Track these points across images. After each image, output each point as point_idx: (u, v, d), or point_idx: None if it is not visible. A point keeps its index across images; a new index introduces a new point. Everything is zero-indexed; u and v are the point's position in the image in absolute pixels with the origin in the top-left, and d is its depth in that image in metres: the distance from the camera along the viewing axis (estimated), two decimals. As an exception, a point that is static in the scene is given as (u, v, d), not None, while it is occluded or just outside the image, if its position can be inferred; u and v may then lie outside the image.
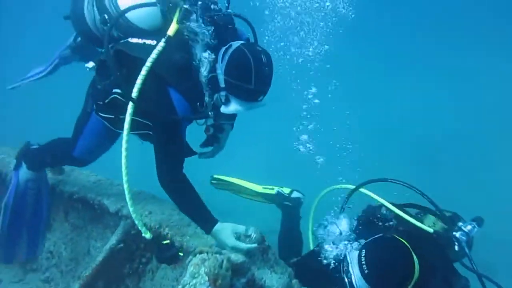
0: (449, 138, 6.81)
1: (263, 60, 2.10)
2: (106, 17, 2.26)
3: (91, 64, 2.37)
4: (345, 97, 4.97)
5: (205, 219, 2.31)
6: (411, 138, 6.87)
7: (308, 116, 3.32)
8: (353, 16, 3.37)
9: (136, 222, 2.27)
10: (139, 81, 2.09)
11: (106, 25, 2.27)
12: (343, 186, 3.07)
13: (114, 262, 3.02)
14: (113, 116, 2.52)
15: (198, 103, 2.27)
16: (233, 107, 2.14)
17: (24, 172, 3.06)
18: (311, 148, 3.28)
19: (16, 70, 3.49)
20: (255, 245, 2.20)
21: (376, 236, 2.23)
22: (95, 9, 2.35)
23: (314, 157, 3.34)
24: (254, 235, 2.25)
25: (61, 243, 3.67)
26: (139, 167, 2.59)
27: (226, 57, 2.10)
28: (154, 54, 2.09)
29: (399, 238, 2.16)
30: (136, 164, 2.33)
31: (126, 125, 2.14)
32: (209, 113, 2.33)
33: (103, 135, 2.71)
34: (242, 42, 2.20)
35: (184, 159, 2.35)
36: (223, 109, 2.18)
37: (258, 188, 3.78)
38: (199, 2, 2.13)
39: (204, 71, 2.18)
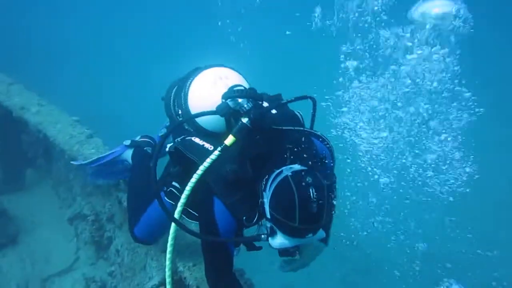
0: None
1: (312, 196, 1.70)
2: (180, 112, 2.32)
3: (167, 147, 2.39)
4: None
5: None
6: None
7: None
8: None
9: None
10: (188, 187, 2.02)
11: (180, 118, 2.36)
12: None
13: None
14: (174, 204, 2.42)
15: (244, 218, 2.04)
16: (278, 240, 1.87)
17: (127, 154, 3.16)
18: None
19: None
20: None
21: None
22: (175, 101, 2.42)
23: None
24: None
25: (125, 247, 3.73)
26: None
27: (272, 187, 1.82)
28: (206, 163, 1.98)
29: None
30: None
31: (172, 230, 2.09)
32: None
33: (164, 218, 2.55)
34: (295, 169, 1.83)
35: (232, 263, 2.15)
36: (270, 241, 1.93)
37: None
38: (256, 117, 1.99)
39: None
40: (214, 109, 2.10)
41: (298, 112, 2.30)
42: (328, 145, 2.23)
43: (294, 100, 2.14)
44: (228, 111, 2.03)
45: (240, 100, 2.00)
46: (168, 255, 2.16)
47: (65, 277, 4.08)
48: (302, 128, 2.13)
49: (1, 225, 4.38)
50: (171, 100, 2.46)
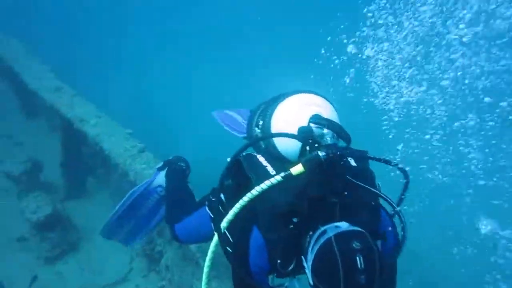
0: None
1: (359, 266, 1.41)
2: (260, 123, 2.18)
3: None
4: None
5: None
6: None
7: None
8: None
9: None
10: (238, 205, 1.78)
11: (258, 129, 2.23)
12: None
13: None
14: (213, 217, 2.35)
15: (279, 261, 1.77)
16: None
17: (161, 176, 3.09)
18: None
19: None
20: None
21: None
22: (261, 113, 2.30)
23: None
24: None
25: (175, 264, 3.71)
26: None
27: (315, 249, 1.54)
28: (264, 185, 1.73)
29: None
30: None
31: (210, 254, 1.92)
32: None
33: (206, 226, 2.46)
34: (342, 229, 1.54)
35: None
36: None
37: None
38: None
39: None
40: (296, 133, 1.90)
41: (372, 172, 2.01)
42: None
43: (383, 161, 1.89)
44: (308, 137, 1.82)
45: (325, 130, 1.80)
46: (205, 270, 2.00)
47: (119, 287, 4.18)
48: (374, 190, 1.80)
49: (65, 232, 4.60)
50: (258, 111, 2.32)
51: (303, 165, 1.67)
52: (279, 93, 2.23)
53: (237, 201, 1.76)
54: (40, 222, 4.27)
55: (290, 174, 1.68)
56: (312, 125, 1.86)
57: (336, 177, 1.72)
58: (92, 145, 4.27)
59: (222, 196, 2.15)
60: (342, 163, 1.73)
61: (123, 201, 3.15)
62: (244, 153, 1.99)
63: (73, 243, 4.58)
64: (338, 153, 1.68)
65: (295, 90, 2.15)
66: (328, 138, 1.78)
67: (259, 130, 2.15)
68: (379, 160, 1.88)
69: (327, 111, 1.95)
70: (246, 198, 1.74)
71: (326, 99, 2.08)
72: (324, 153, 1.66)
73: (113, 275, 4.29)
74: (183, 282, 3.58)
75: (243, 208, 1.78)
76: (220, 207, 2.16)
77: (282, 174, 1.70)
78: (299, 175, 1.69)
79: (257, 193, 1.72)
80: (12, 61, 5.80)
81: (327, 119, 1.84)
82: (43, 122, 6.29)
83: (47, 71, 5.48)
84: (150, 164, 3.84)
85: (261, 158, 1.94)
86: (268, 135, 2.05)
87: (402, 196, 2.00)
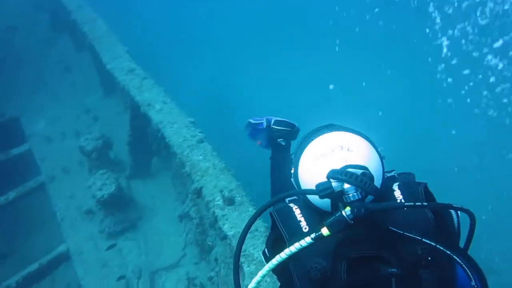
0: None
1: None
2: (292, 171, 1.90)
3: None
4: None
5: None
6: None
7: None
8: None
9: None
10: (267, 268, 1.62)
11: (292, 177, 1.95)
12: None
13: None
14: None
15: None
16: None
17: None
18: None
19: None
20: None
21: None
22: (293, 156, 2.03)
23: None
24: None
25: (222, 260, 3.69)
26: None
27: None
28: (294, 248, 1.53)
29: None
30: None
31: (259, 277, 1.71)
32: None
33: None
34: None
35: None
36: None
37: None
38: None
39: None
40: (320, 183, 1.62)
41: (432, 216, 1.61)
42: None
43: (440, 207, 1.57)
44: (329, 194, 1.58)
45: (346, 186, 1.53)
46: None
47: (171, 272, 4.29)
48: (435, 244, 1.46)
49: (127, 211, 4.81)
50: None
51: (328, 229, 1.48)
52: (316, 127, 1.98)
53: (273, 257, 1.60)
54: (104, 199, 4.48)
55: (321, 235, 1.49)
56: (331, 180, 1.59)
57: (380, 232, 1.46)
58: (155, 131, 4.34)
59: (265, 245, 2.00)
60: (377, 218, 1.46)
61: None
62: (279, 206, 1.78)
63: (133, 221, 4.78)
64: (363, 211, 1.42)
65: (327, 127, 1.87)
66: (351, 194, 1.49)
67: (292, 179, 1.90)
68: (429, 207, 1.53)
69: (358, 154, 1.64)
70: (276, 260, 1.58)
71: (362, 134, 1.77)
72: (349, 212, 1.44)
73: (168, 258, 4.41)
74: (229, 279, 3.55)
75: (282, 265, 1.58)
76: (263, 256, 2.00)
77: (313, 235, 1.50)
78: (331, 235, 1.49)
79: (287, 255, 1.55)
80: (94, 40, 6.08)
81: (346, 173, 1.51)
82: (118, 99, 6.60)
83: (124, 52, 5.66)
84: (207, 157, 3.81)
85: (296, 210, 1.73)
86: (287, 194, 1.80)
87: (468, 244, 1.68)
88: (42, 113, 6.84)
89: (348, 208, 1.44)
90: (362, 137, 1.73)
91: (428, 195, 1.60)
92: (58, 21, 8.35)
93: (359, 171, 1.55)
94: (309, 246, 1.50)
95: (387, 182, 1.71)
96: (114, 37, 6.07)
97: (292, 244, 1.53)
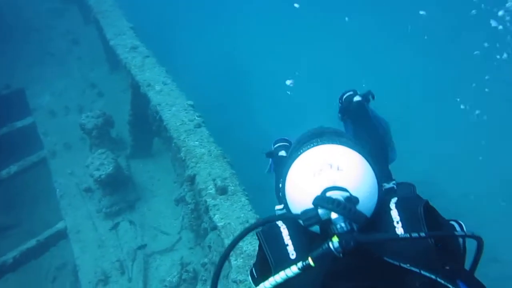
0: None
1: None
2: (280, 185, 1.74)
3: None
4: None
5: None
6: None
7: None
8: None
9: None
10: None
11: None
12: None
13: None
14: None
15: None
16: None
17: None
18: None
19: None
20: None
21: None
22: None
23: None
24: None
25: (215, 248, 3.63)
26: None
27: None
28: (279, 277, 1.40)
29: None
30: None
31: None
32: None
33: None
34: None
35: None
36: None
37: None
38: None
39: None
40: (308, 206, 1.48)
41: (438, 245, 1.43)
42: None
43: (436, 236, 1.40)
44: (315, 223, 1.43)
45: (333, 215, 1.36)
46: None
47: (166, 256, 4.27)
48: (435, 277, 1.28)
49: (125, 191, 4.77)
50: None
51: (313, 261, 1.32)
52: (307, 133, 1.81)
53: (260, 280, 1.47)
54: (102, 179, 4.44)
55: (309, 265, 1.34)
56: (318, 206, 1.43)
57: (367, 265, 1.31)
58: (153, 113, 4.24)
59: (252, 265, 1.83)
60: (368, 250, 1.30)
61: None
62: (266, 228, 1.62)
63: (131, 202, 4.75)
64: (352, 244, 1.26)
65: (318, 135, 1.68)
66: (339, 225, 1.30)
67: (281, 193, 1.72)
68: (428, 237, 1.35)
69: (347, 175, 1.45)
70: None
71: (356, 147, 1.58)
72: (337, 244, 1.27)
73: (163, 241, 4.39)
74: (220, 268, 3.49)
75: None
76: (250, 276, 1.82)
77: (300, 264, 1.35)
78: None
79: (271, 286, 1.41)
80: (99, 14, 5.94)
81: (332, 201, 1.32)
82: (123, 76, 6.49)
83: (128, 28, 5.51)
84: (203, 143, 3.71)
85: (284, 232, 1.57)
86: (273, 217, 1.63)
87: (474, 267, 1.52)
88: (47, 85, 6.78)
89: (336, 239, 1.28)
90: (356, 150, 1.56)
91: (430, 214, 1.45)
92: (67, -10, 8.20)
93: (346, 194, 1.40)
94: (296, 276, 1.36)
95: (385, 195, 1.56)
96: (119, 12, 5.91)
97: (278, 272, 1.40)
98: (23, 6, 8.00)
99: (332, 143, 1.58)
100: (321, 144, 1.59)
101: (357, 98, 2.67)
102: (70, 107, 6.33)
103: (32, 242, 4.61)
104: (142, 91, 4.44)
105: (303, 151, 1.59)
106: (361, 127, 2.64)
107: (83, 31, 7.65)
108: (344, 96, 2.74)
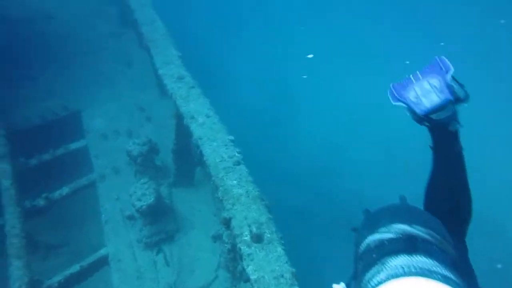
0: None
1: None
2: None
3: None
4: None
5: None
6: None
7: None
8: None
9: None
10: None
11: None
12: None
13: None
14: None
15: None
16: None
17: None
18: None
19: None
20: None
21: None
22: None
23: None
24: None
25: None
26: None
27: None
28: None
29: None
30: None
31: None
32: None
33: None
34: None
35: None
36: None
37: None
38: None
39: None
40: None
41: None
42: None
43: None
44: None
45: None
46: None
47: (201, 294, 4.18)
48: None
49: (166, 221, 4.78)
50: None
51: None
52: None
53: None
54: (143, 210, 4.47)
55: None
56: None
57: None
58: (194, 146, 4.21)
59: None
60: None
61: None
62: None
63: (170, 233, 4.74)
64: None
65: (398, 246, 1.26)
66: None
67: None
68: None
69: None
70: None
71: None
72: None
73: (200, 277, 4.31)
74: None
75: None
76: None
77: None
78: None
79: None
80: (150, 42, 6.09)
81: None
82: (172, 102, 6.59)
83: (176, 58, 5.59)
84: (242, 182, 3.61)
85: None
86: None
87: None
88: (101, 108, 7.04)
89: None
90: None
91: None
92: (125, 16, 8.54)
93: None
94: None
95: None
96: (169, 41, 6.02)
97: None
98: (83, 31, 8.41)
99: (422, 277, 1.12)
100: (408, 275, 1.14)
101: (455, 126, 1.82)
102: (120, 130, 6.51)
103: (76, 267, 4.72)
104: (185, 123, 4.44)
105: (383, 281, 1.17)
106: (443, 160, 1.95)
107: (138, 55, 7.91)
108: (439, 115, 1.85)
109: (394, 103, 1.87)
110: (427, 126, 1.84)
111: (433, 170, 1.98)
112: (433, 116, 1.77)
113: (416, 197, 1.93)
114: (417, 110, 1.75)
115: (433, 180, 1.98)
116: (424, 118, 1.79)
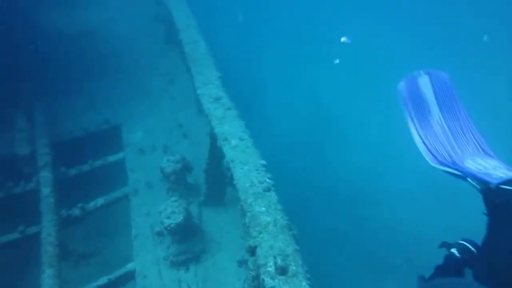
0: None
1: None
2: None
3: None
4: None
5: None
6: None
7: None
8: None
9: None
10: None
11: None
12: None
13: None
14: None
15: None
16: None
17: None
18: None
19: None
20: None
21: None
22: None
23: None
24: None
25: None
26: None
27: None
28: None
29: None
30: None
31: None
32: None
33: None
34: None
35: None
36: None
37: None
38: None
39: None
40: None
41: None
42: None
43: None
44: None
45: None
46: None
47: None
48: None
49: (193, 240, 4.77)
50: None
51: None
52: None
53: None
54: (171, 228, 4.49)
55: None
56: None
57: None
58: (225, 169, 4.20)
59: None
60: None
61: None
62: None
63: (197, 253, 4.72)
64: None
65: None
66: None
67: None
68: None
69: None
70: None
71: None
72: None
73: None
74: None
75: None
76: None
77: None
78: None
79: None
80: (192, 62, 6.21)
81: None
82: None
83: (215, 78, 5.66)
84: (270, 210, 3.54)
85: None
86: None
87: None
88: (141, 123, 7.24)
89: None
90: None
91: None
92: (171, 34, 8.81)
93: None
94: None
95: None
96: (210, 61, 6.12)
97: None
98: (129, 47, 8.74)
99: None
100: None
101: None
102: (157, 145, 6.64)
103: (103, 280, 4.79)
104: (219, 144, 4.45)
105: None
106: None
107: (181, 71, 8.10)
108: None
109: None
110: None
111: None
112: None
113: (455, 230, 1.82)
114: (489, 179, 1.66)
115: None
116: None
